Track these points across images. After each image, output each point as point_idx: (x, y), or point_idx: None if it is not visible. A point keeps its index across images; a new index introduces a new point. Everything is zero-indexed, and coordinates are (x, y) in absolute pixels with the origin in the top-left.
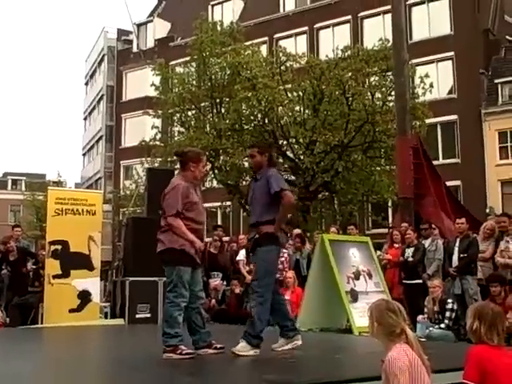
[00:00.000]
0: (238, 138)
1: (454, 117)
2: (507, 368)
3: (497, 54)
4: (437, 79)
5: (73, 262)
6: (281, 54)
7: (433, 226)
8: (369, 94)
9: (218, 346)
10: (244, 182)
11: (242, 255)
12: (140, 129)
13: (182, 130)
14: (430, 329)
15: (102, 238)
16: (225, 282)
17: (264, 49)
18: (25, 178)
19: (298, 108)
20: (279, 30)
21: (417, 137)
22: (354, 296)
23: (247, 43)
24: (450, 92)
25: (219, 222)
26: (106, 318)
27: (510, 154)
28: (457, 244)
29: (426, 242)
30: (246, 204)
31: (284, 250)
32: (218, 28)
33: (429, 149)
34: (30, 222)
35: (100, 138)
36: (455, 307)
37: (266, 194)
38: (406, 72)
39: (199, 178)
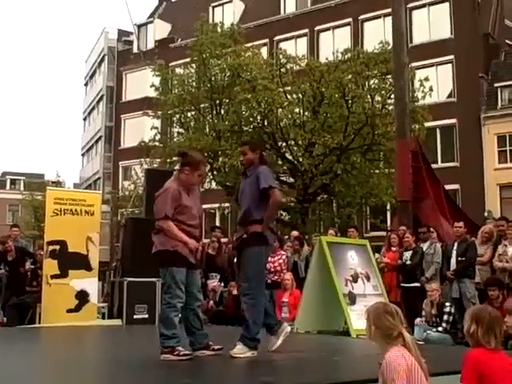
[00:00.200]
0: (237, 140)
1: (453, 120)
2: (504, 372)
3: (496, 58)
4: (436, 83)
5: (71, 262)
6: (281, 56)
7: (431, 229)
8: (368, 96)
9: (216, 347)
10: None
11: None
12: (139, 129)
13: (182, 131)
14: (428, 332)
15: (100, 239)
16: (223, 284)
17: (264, 51)
18: (23, 177)
19: (297, 110)
20: (279, 32)
21: (416, 140)
22: (352, 298)
23: (247, 45)
24: (449, 96)
25: (217, 224)
26: (103, 318)
27: (508, 158)
28: (455, 247)
29: (425, 246)
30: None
31: (282, 252)
32: (219, 30)
33: (428, 152)
34: (28, 221)
35: (99, 138)
36: (453, 310)
37: (256, 191)
38: (406, 75)
39: (191, 184)
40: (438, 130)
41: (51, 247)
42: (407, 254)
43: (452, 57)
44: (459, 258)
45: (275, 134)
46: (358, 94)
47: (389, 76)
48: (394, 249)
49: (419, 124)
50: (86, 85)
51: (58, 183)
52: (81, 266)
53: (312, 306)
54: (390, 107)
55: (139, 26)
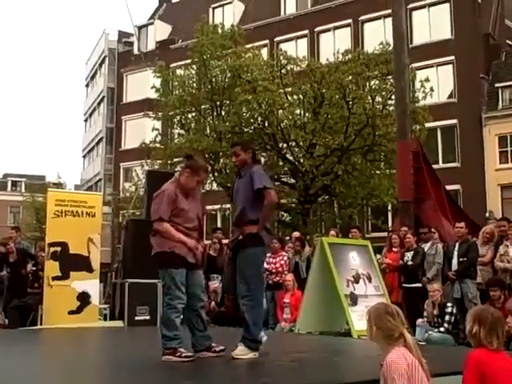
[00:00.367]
0: (238, 141)
1: (454, 121)
2: (506, 372)
3: (497, 59)
4: (437, 83)
5: (72, 263)
6: (281, 57)
7: (432, 229)
8: (369, 97)
9: (218, 348)
10: None
11: None
12: (140, 131)
13: (182, 132)
14: (430, 332)
15: (101, 240)
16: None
17: (264, 52)
18: (25, 179)
19: (298, 111)
20: (280, 33)
21: (417, 141)
22: (354, 299)
23: (248, 46)
24: (450, 96)
25: (219, 225)
26: (105, 319)
27: (509, 159)
28: (456, 248)
29: (426, 246)
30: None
31: (284, 253)
32: (219, 31)
33: (429, 153)
34: (29, 223)
35: (100, 139)
36: (454, 311)
37: (250, 191)
38: (407, 76)
39: (189, 188)
40: (438, 131)
41: (52, 249)
42: (409, 255)
43: (452, 57)
44: (461, 259)
45: (276, 135)
46: (358, 95)
47: (389, 77)
48: (395, 249)
49: (420, 125)
50: (86, 86)
51: (59, 185)
52: (82, 268)
53: (313, 307)
54: (391, 108)
55: (140, 28)
